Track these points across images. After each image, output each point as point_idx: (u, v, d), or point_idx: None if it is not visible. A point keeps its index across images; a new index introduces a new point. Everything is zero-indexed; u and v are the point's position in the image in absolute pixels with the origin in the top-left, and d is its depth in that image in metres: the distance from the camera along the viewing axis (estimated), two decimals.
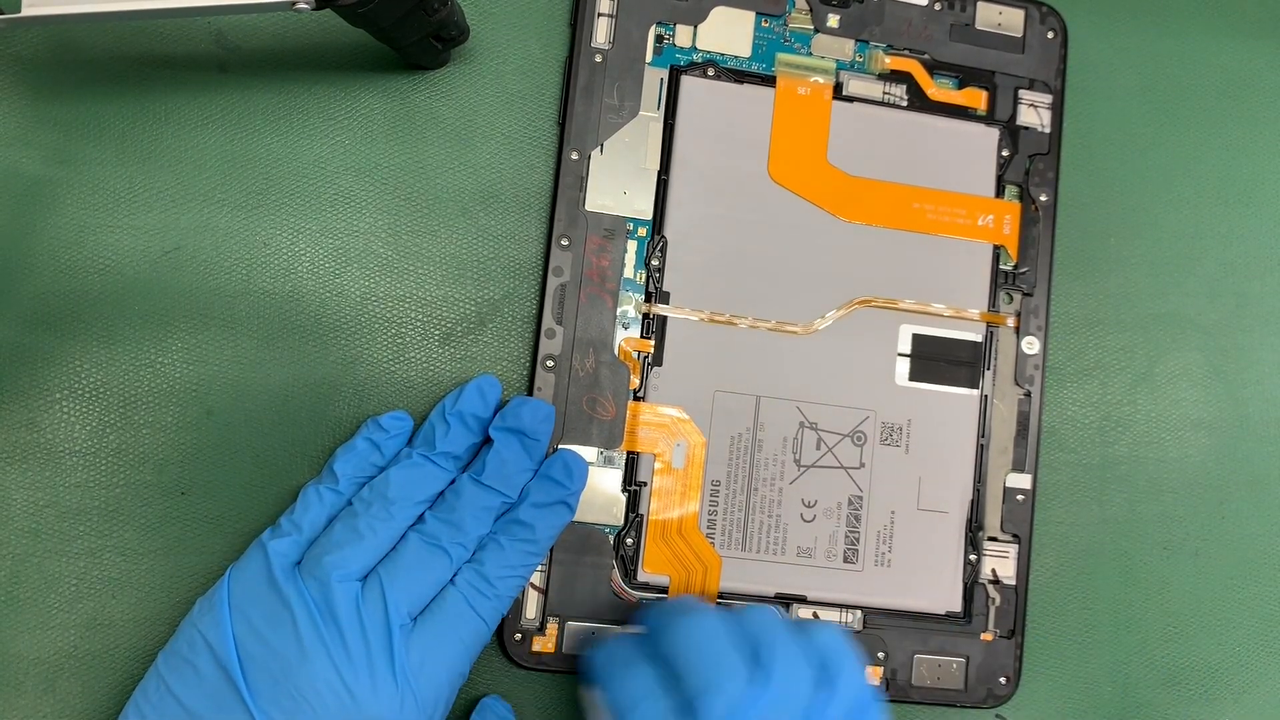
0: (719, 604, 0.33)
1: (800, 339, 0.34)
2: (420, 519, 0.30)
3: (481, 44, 0.34)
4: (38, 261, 0.31)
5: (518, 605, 0.32)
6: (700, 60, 0.34)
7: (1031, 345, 0.35)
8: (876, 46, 0.35)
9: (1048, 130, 0.36)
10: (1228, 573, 0.37)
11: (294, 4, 0.27)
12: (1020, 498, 0.35)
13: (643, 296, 0.33)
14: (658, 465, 0.33)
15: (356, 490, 0.30)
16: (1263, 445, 0.37)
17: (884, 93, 0.35)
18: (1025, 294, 0.36)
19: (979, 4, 0.36)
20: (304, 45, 0.33)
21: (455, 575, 0.29)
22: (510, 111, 0.34)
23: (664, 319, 0.33)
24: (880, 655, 0.33)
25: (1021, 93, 0.36)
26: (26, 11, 0.27)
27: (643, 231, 0.34)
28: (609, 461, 0.33)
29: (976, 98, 0.36)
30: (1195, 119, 0.38)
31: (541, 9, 0.34)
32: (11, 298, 0.31)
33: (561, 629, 0.32)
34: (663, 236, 0.34)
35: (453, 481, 0.30)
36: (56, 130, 0.32)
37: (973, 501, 0.35)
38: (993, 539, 0.35)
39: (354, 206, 0.33)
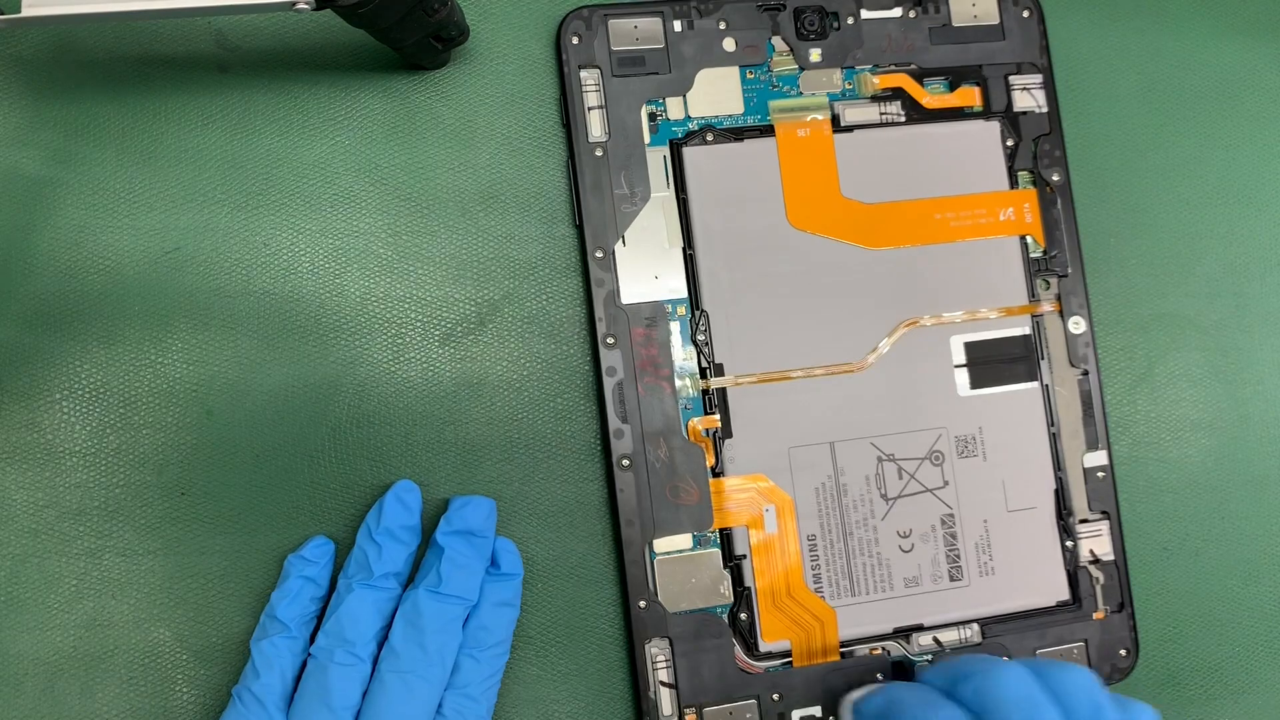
0: (842, 652, 0.33)
1: (858, 376, 0.34)
2: (389, 649, 0.29)
3: (481, 44, 0.34)
4: (38, 261, 0.31)
5: (654, 706, 0.32)
6: (697, 127, 0.34)
7: (1078, 325, 0.35)
8: (863, 69, 0.35)
9: (1045, 109, 0.36)
10: (1228, 573, 0.37)
11: (294, 4, 0.27)
12: (1101, 474, 0.35)
13: (698, 374, 0.33)
14: (752, 534, 0.33)
15: (307, 629, 0.29)
16: (1263, 445, 0.37)
17: (880, 113, 0.35)
18: (1061, 276, 0.36)
19: (951, 0, 0.36)
20: (304, 45, 0.33)
21: (441, 704, 0.29)
22: (510, 111, 0.34)
23: (724, 391, 0.33)
24: (1005, 659, 0.33)
25: (1011, 79, 0.36)
26: (26, 11, 0.27)
27: (682, 310, 0.33)
28: (704, 543, 0.33)
29: (970, 95, 0.36)
30: (1195, 119, 0.38)
31: (541, 9, 0.34)
32: (11, 298, 0.31)
33: (699, 717, 0.32)
34: (703, 311, 0.33)
35: (400, 598, 0.30)
36: (56, 130, 0.32)
37: (1057, 490, 0.35)
38: (1084, 520, 0.35)
39: (354, 206, 0.33)
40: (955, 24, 0.36)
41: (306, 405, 0.32)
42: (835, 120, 0.35)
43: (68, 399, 0.31)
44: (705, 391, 0.33)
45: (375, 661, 0.29)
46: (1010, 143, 0.36)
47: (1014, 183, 0.36)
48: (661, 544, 0.32)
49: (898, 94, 0.35)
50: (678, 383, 0.33)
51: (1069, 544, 0.35)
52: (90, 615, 0.31)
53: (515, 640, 0.32)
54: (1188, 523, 0.37)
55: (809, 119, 0.35)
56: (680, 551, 0.33)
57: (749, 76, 0.35)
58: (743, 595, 0.33)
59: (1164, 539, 0.37)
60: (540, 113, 0.34)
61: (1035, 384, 0.35)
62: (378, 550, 0.30)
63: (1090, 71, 0.37)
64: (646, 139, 0.34)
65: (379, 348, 0.33)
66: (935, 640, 0.34)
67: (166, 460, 0.31)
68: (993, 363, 0.35)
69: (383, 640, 0.29)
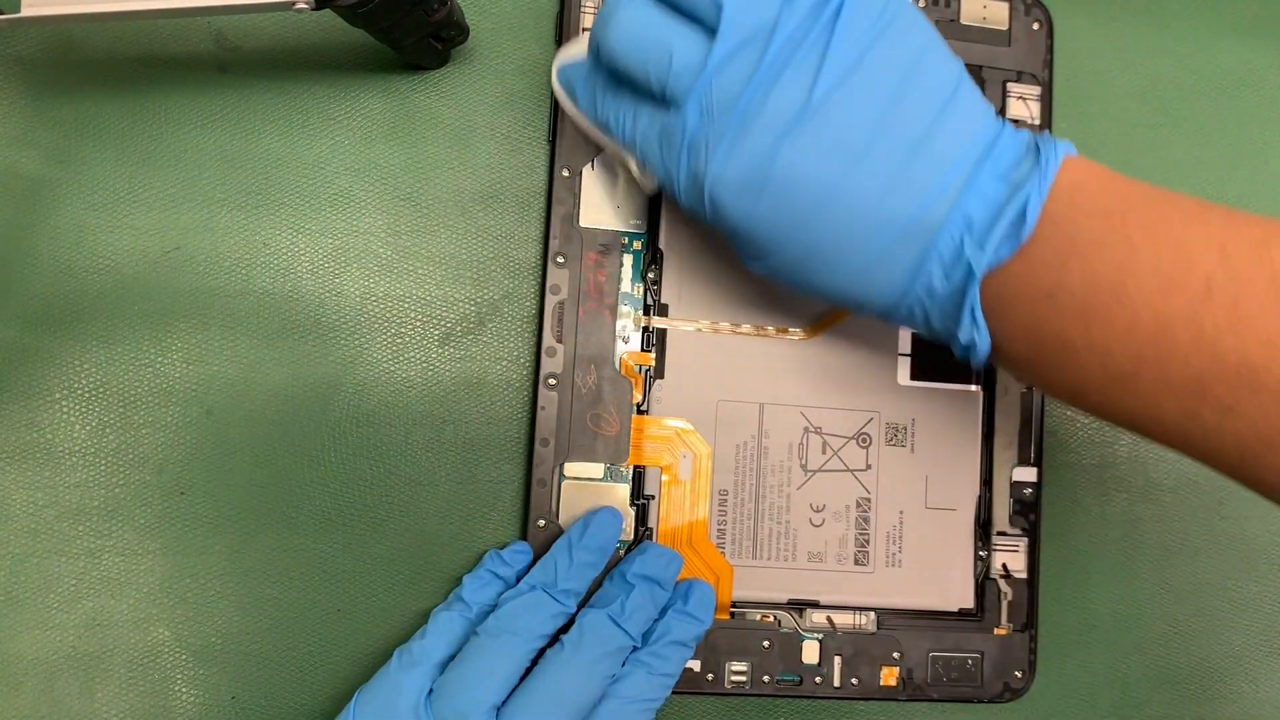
0: (733, 611, 0.33)
1: (800, 344, 0.34)
2: (557, 646, 0.30)
3: (481, 44, 0.34)
4: (38, 261, 0.31)
5: None
6: None
7: None
8: None
9: (1037, 122, 0.36)
10: (1227, 573, 0.37)
11: (294, 4, 0.28)
12: (1028, 491, 0.35)
13: (641, 310, 0.33)
14: (664, 478, 0.33)
15: (483, 615, 0.30)
16: None
17: None
18: None
19: None
20: (304, 45, 0.33)
21: (595, 709, 0.29)
22: (510, 111, 0.34)
23: (663, 331, 0.33)
24: (896, 655, 0.33)
25: (1010, 86, 0.36)
26: (26, 11, 0.27)
27: (638, 245, 0.33)
28: (616, 477, 0.33)
29: None
30: (1195, 119, 0.38)
31: (541, 9, 0.34)
32: (11, 298, 0.31)
33: None
34: (658, 249, 0.33)
35: (571, 617, 0.30)
36: (56, 130, 0.32)
37: (980, 497, 0.35)
38: (1002, 533, 0.35)
39: (354, 206, 0.33)
40: (963, 21, 0.36)
41: (306, 405, 0.32)
42: None
43: (67, 398, 0.31)
44: (646, 329, 0.33)
45: (532, 662, 0.30)
46: None
47: None
48: (572, 468, 0.32)
49: None
50: (620, 314, 0.33)
51: (983, 553, 0.34)
52: (89, 615, 0.31)
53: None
54: (1188, 523, 0.37)
55: None
56: (590, 479, 0.32)
57: None
58: (643, 535, 0.33)
59: (1164, 539, 0.37)
60: (540, 112, 0.34)
61: (977, 387, 0.35)
62: (569, 565, 0.30)
63: (1089, 71, 0.37)
64: None
65: (378, 347, 0.33)
66: (829, 620, 0.33)
67: (166, 460, 0.31)
68: (938, 358, 0.35)
69: (543, 648, 0.30)
